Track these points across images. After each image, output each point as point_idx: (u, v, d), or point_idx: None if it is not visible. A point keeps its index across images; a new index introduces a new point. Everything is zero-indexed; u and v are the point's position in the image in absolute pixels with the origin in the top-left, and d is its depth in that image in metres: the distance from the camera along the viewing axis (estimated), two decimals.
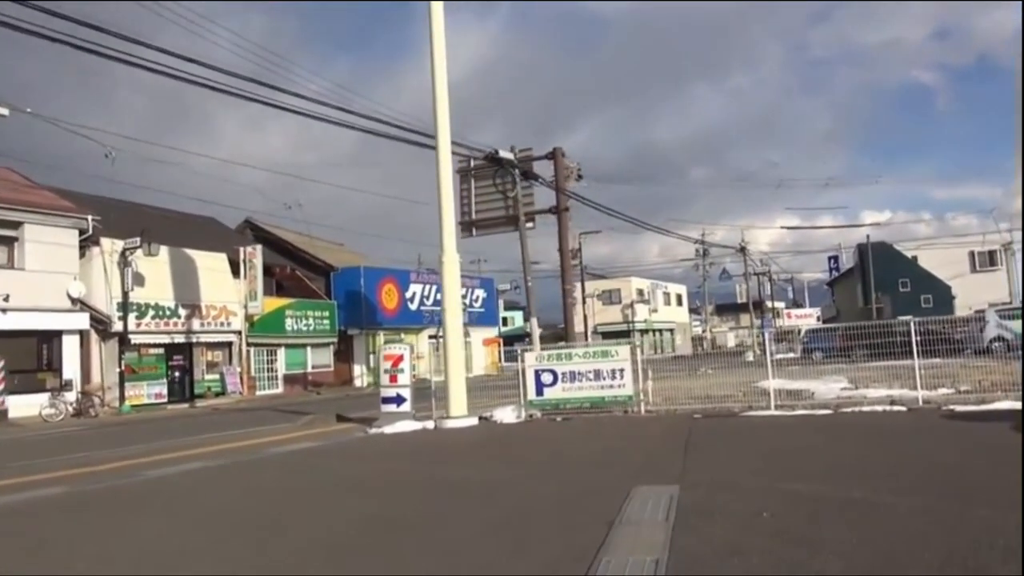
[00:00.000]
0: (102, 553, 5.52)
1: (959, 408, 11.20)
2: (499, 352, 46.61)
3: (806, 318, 43.92)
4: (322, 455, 11.00)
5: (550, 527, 5.54)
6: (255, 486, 8.43)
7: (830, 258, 65.66)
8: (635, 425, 12.29)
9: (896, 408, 11.76)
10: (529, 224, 27.49)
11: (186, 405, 26.93)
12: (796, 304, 58.96)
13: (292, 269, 35.91)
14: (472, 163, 27.30)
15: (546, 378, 14.07)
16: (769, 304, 70.89)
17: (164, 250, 27.42)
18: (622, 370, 13.53)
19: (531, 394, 14.18)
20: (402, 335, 39.68)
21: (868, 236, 46.34)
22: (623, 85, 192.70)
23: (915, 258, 50.05)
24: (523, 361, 14.39)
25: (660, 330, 72.18)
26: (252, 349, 31.35)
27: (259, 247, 31.04)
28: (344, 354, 36.67)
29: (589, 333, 62.09)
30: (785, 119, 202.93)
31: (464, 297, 44.50)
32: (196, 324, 28.21)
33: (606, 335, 62.36)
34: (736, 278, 53.72)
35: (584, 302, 60.67)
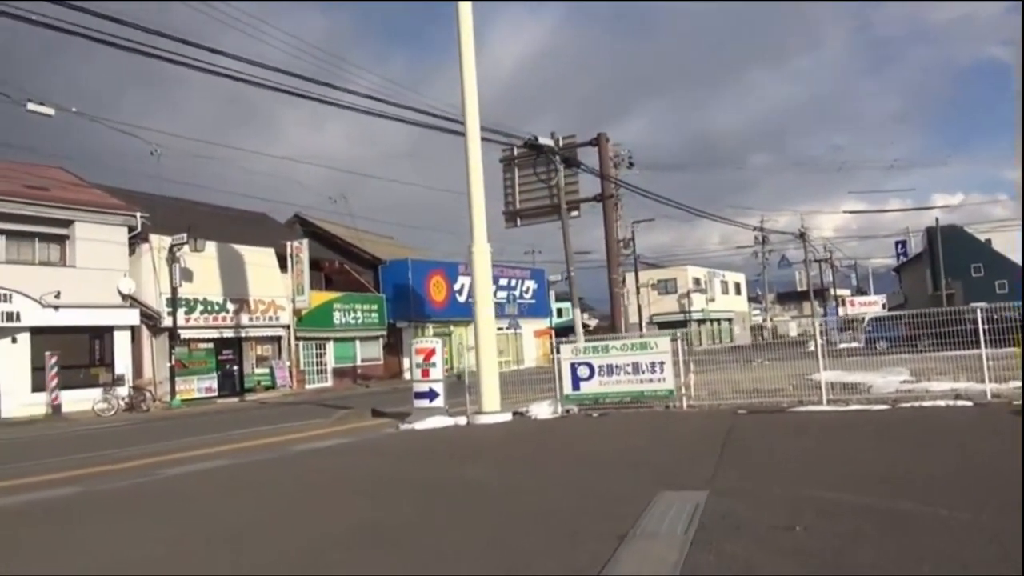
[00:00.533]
0: (68, 563, 5.18)
1: None
2: (551, 343, 45.98)
3: (870, 306, 41.95)
4: (343, 453, 10.63)
5: (554, 540, 4.97)
6: (260, 487, 8.07)
7: (897, 243, 63.08)
8: (673, 421, 11.58)
9: (961, 403, 10.76)
10: (574, 213, 26.82)
11: (235, 399, 27.15)
12: (860, 291, 56.56)
13: (340, 263, 35.98)
14: (515, 151, 26.80)
15: (583, 371, 13.45)
16: (833, 292, 68.46)
17: (212, 246, 27.65)
18: (662, 363, 12.80)
19: (567, 388, 13.58)
20: (451, 327, 39.52)
21: (937, 219, 44.04)
22: (680, 72, 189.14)
23: (989, 241, 47.43)
24: (558, 354, 13.79)
25: (718, 320, 70.45)
26: (301, 343, 31.49)
27: (305, 241, 31.10)
28: (393, 347, 36.60)
29: (643, 324, 61.01)
30: (850, 101, 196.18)
31: (515, 288, 44.13)
32: (245, 319, 28.41)
33: (662, 325, 61.06)
34: (796, 265, 51.78)
35: (638, 292, 59.67)
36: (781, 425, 10.35)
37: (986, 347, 11.26)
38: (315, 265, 35.56)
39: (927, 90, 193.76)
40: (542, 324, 46.47)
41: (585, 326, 63.38)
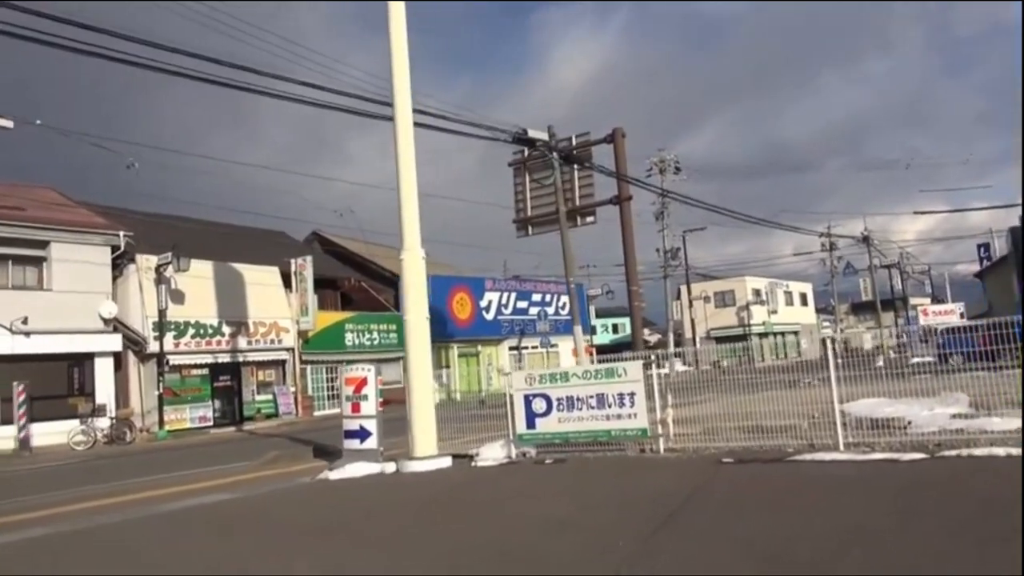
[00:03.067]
0: None
1: None
2: (591, 362, 43.03)
3: (947, 315, 37.57)
4: (193, 521, 8.25)
5: None
6: None
7: (980, 246, 57.67)
8: (632, 475, 8.79)
9: None
10: (590, 218, 24.15)
11: (232, 428, 25.32)
12: (936, 299, 51.50)
13: (358, 281, 34.08)
14: (527, 154, 24.29)
15: (538, 405, 10.77)
16: (914, 300, 63.18)
17: (208, 265, 26.07)
18: (632, 395, 10.01)
19: (520, 426, 10.91)
20: (479, 347, 37.16)
21: (1022, 216, 39.10)
22: (750, 80, 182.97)
23: None
24: (510, 385, 11.15)
25: (782, 333, 65.94)
26: (309, 367, 29.57)
27: (310, 258, 29.23)
28: None
29: (698, 339, 57.33)
30: (927, 103, 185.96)
31: (549, 304, 41.47)
32: (243, 342, 26.64)
33: (720, 340, 57.18)
34: (861, 272, 47.32)
35: (691, 305, 56.10)
36: (766, 485, 7.47)
37: None
38: (331, 284, 33.84)
39: (1008, 89, 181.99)
40: (584, 340, 43.50)
41: (645, 342, 60.32)
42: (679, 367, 48.35)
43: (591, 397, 10.29)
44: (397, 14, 11.74)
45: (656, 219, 48.51)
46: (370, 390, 11.73)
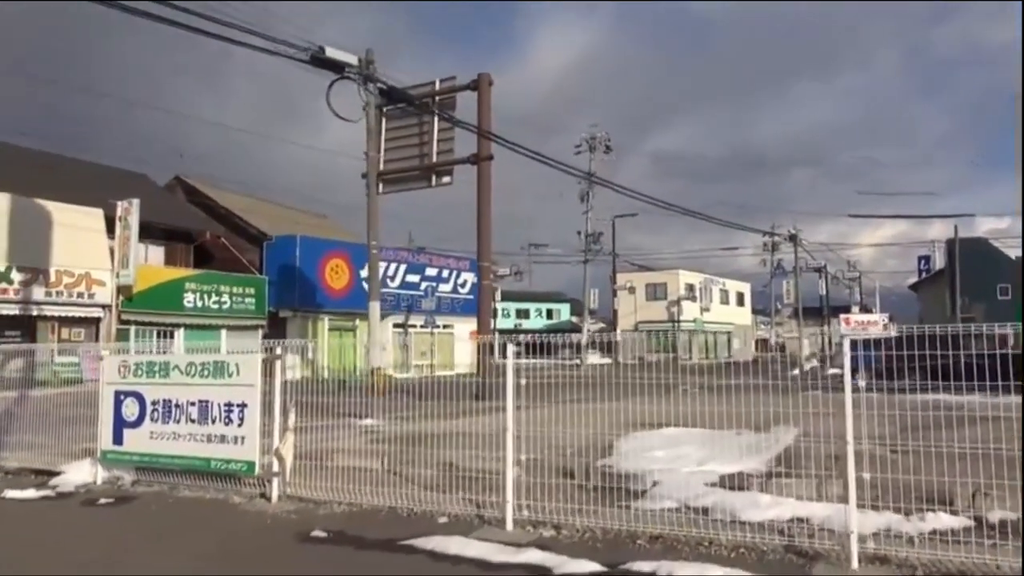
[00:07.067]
0: None
1: None
2: (490, 352, 39.48)
3: (870, 325, 34.71)
4: None
5: None
6: None
7: (920, 258, 55.37)
8: (182, 545, 5.18)
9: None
10: (446, 179, 20.43)
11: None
12: (865, 309, 49.00)
13: (217, 236, 29.95)
14: (381, 99, 20.43)
15: (129, 410, 7.09)
16: (852, 307, 60.73)
17: (4, 198, 21.88)
18: (242, 407, 6.37)
19: (106, 440, 7.21)
20: (356, 321, 33.28)
21: (956, 227, 36.47)
22: (726, 85, 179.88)
23: (1020, 259, 39.82)
24: (102, 373, 7.46)
25: (714, 332, 63.23)
26: (133, 328, 25.48)
27: (136, 202, 24.92)
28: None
29: (619, 330, 54.23)
30: (897, 120, 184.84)
31: (447, 280, 37.79)
32: (39, 293, 22.50)
33: (647, 334, 54.21)
34: (789, 274, 44.46)
35: (614, 295, 52.86)
36: None
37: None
38: (184, 236, 29.74)
39: (980, 112, 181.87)
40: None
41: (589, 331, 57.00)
42: (594, 359, 45.25)
43: (192, 404, 6.63)
44: None
45: (581, 200, 45.08)
46: None
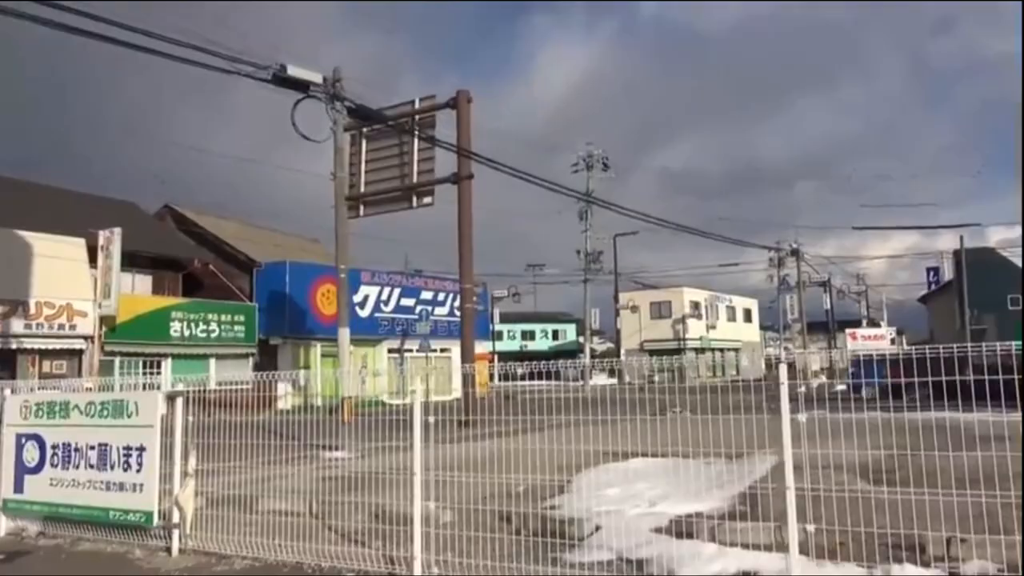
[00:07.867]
0: None
1: None
2: (491, 370, 38.81)
3: (877, 340, 33.92)
4: None
5: None
6: None
7: (929, 270, 54.42)
8: None
9: None
10: (427, 199, 19.95)
11: None
12: (873, 323, 48.00)
13: (204, 263, 29.57)
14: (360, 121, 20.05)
15: (30, 454, 6.51)
16: (865, 321, 59.65)
17: None
18: (140, 449, 5.79)
19: (7, 488, 6.63)
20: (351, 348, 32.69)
21: (962, 238, 35.60)
22: (728, 100, 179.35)
23: (1022, 271, 38.87)
24: (5, 414, 6.87)
25: (722, 349, 62.23)
26: (118, 360, 25.02)
27: (118, 231, 24.59)
28: (267, 369, 29.90)
29: (623, 351, 53.39)
30: (901, 132, 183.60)
31: (443, 304, 37.21)
32: (18, 326, 22.08)
33: (653, 353, 53.35)
34: (793, 290, 43.60)
35: (617, 314, 52.07)
36: None
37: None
38: (173, 265, 29.43)
39: (984, 123, 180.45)
40: (481, 347, 39.35)
41: (593, 351, 56.23)
42: (601, 380, 44.43)
43: (92, 448, 6.05)
44: None
45: (580, 219, 44.61)
46: None
